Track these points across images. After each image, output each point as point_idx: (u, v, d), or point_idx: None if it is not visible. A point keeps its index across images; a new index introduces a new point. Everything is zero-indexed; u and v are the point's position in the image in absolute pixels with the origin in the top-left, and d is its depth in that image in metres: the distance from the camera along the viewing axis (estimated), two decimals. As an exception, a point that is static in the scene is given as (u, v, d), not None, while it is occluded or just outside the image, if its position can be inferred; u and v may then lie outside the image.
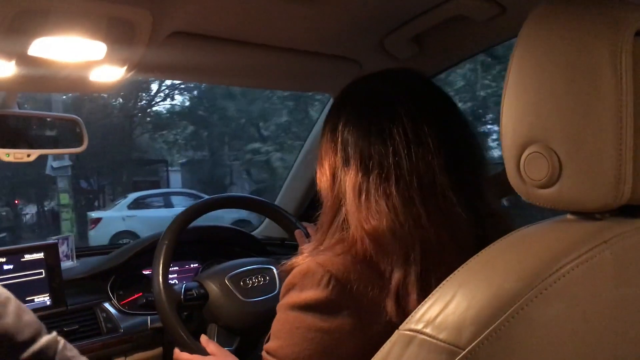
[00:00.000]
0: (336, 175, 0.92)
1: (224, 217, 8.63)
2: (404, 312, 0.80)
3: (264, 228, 2.25)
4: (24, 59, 0.95)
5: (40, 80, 1.05)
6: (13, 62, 0.95)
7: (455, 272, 0.63)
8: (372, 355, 0.71)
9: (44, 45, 0.92)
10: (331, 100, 1.44)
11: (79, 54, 0.97)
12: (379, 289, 0.83)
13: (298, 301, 0.84)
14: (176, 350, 1.30)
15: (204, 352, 1.25)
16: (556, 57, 0.62)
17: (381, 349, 0.62)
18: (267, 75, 1.42)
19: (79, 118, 1.43)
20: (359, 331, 0.82)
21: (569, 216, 0.67)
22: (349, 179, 0.88)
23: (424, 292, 0.74)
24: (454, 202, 0.86)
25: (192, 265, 1.94)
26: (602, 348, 0.58)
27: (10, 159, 1.28)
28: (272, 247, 2.08)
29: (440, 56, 1.43)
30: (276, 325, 0.88)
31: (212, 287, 1.46)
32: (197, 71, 1.28)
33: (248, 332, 1.44)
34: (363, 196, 0.86)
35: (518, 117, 0.65)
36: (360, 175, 0.87)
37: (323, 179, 0.95)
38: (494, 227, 0.87)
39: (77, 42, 0.93)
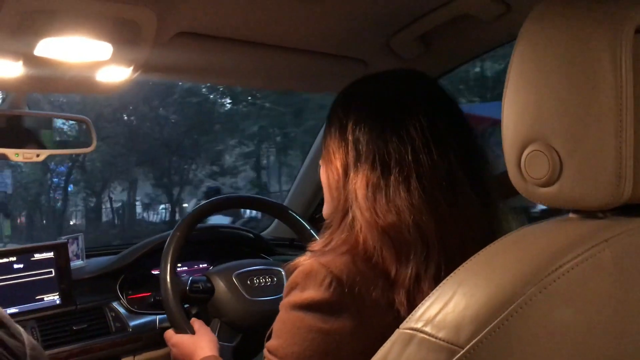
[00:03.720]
0: (348, 174, 0.91)
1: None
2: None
3: (273, 229, 2.25)
4: (30, 60, 0.96)
5: (47, 80, 1.07)
6: (20, 63, 0.96)
7: (456, 270, 0.62)
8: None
9: (50, 45, 0.93)
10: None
11: (85, 54, 0.98)
12: (382, 290, 0.83)
13: (299, 301, 0.85)
14: (167, 330, 1.36)
15: (191, 331, 1.31)
16: (556, 55, 0.62)
17: (382, 347, 0.62)
18: (272, 76, 1.42)
19: (88, 119, 1.44)
20: (361, 333, 0.82)
21: (571, 215, 0.67)
22: (362, 177, 0.88)
23: None
24: (473, 199, 0.87)
25: (201, 266, 1.95)
26: (602, 348, 0.58)
27: (20, 158, 1.30)
28: (280, 248, 2.09)
29: (447, 56, 1.42)
30: (278, 323, 0.89)
31: (219, 283, 1.47)
32: (203, 71, 1.29)
33: (250, 331, 1.45)
34: (380, 194, 0.86)
35: (518, 115, 0.65)
36: (377, 173, 0.87)
37: (332, 178, 0.95)
38: (506, 227, 0.88)
39: (83, 43, 0.94)
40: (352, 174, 0.90)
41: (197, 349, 1.25)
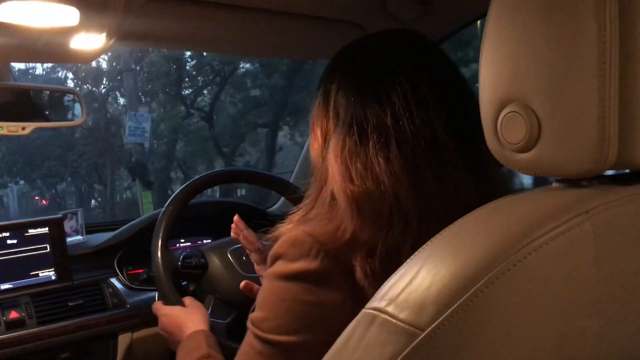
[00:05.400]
0: (327, 142, 0.87)
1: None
2: None
3: (281, 205, 2.21)
4: (-6, 25, 0.91)
5: (20, 48, 1.02)
6: (-17, 30, 0.91)
7: (425, 245, 0.57)
8: None
9: (13, 9, 0.89)
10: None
11: (51, 19, 0.93)
12: (364, 261, 0.78)
13: (285, 271, 0.80)
14: (156, 302, 1.34)
15: (181, 305, 1.29)
16: (536, 6, 0.54)
17: (347, 327, 0.57)
18: (262, 42, 1.35)
19: (77, 91, 1.41)
20: (348, 305, 0.77)
21: (554, 183, 0.60)
22: (338, 142, 0.83)
23: None
24: (459, 165, 0.80)
25: (204, 241, 1.92)
26: (581, 332, 0.52)
27: (4, 132, 1.26)
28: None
29: (447, 17, 1.33)
30: (261, 295, 0.85)
31: (213, 258, 1.44)
32: (183, 38, 1.23)
33: (245, 307, 1.40)
34: (356, 159, 0.80)
35: (495, 73, 0.58)
36: (354, 138, 0.81)
37: (315, 145, 0.91)
38: (499, 195, 0.81)
39: (47, 7, 0.89)
40: (331, 141, 0.85)
41: (188, 322, 1.22)
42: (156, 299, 1.60)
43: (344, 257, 0.79)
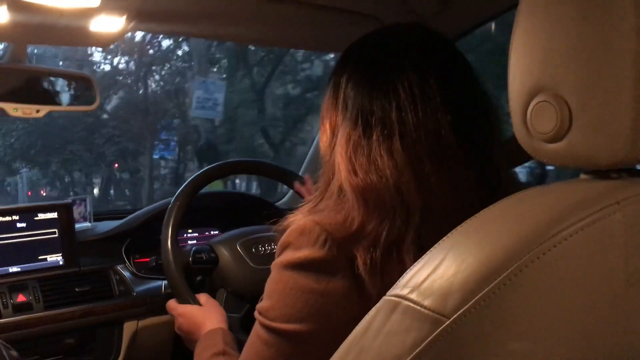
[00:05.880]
0: (336, 134, 0.88)
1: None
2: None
3: (289, 199, 2.20)
4: (16, 3, 0.91)
5: (39, 30, 1.02)
6: (5, 7, 0.91)
7: (449, 234, 0.56)
8: None
9: (35, -11, 0.88)
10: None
11: None
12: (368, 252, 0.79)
13: (292, 260, 0.81)
14: (170, 301, 1.31)
15: (197, 304, 1.27)
16: None
17: (367, 315, 0.57)
18: (279, 32, 1.35)
19: (91, 76, 1.41)
20: (355, 295, 0.79)
21: (582, 176, 0.59)
22: (344, 135, 0.84)
23: (421, 256, 0.70)
24: (462, 161, 0.81)
25: (212, 232, 1.92)
26: (608, 322, 0.51)
27: (19, 113, 1.26)
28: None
29: (467, 12, 1.32)
30: (269, 284, 0.85)
31: (223, 252, 1.43)
32: (202, 23, 1.22)
33: (257, 300, 1.40)
34: (360, 152, 0.81)
35: (526, 63, 0.58)
36: (359, 131, 0.82)
37: (324, 138, 0.92)
38: (505, 193, 0.81)
39: (69, -13, 0.89)
40: (338, 134, 0.87)
41: (206, 321, 1.21)
42: (162, 288, 1.60)
43: (350, 246, 0.79)
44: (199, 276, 1.44)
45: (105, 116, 10.07)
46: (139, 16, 1.00)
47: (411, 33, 0.89)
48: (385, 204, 0.79)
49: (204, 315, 1.23)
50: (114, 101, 10.03)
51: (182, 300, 1.29)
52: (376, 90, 0.83)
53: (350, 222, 0.79)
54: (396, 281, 0.73)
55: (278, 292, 0.83)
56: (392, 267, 0.77)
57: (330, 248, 0.79)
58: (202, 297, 1.29)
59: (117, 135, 9.81)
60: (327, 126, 0.90)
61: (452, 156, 0.81)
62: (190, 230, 1.89)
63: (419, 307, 0.51)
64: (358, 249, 0.78)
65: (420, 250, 0.76)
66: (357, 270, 0.78)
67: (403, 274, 0.69)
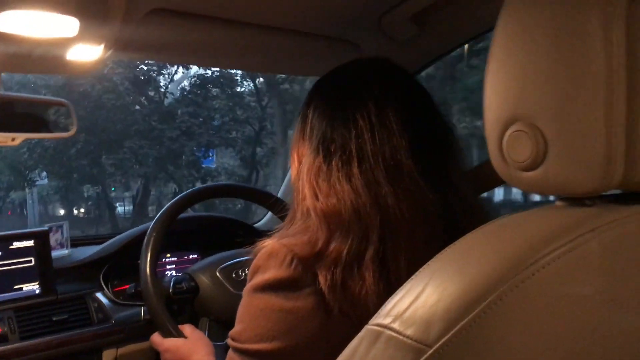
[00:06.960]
0: (303, 162, 0.93)
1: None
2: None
3: (267, 221, 2.20)
4: (-8, 35, 0.90)
5: (14, 59, 1.01)
6: (-19, 38, 0.90)
7: (430, 262, 0.57)
8: (334, 334, 0.81)
9: (11, 19, 0.88)
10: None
11: (50, 30, 0.92)
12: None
13: (262, 282, 0.85)
14: (154, 335, 1.30)
15: (182, 336, 1.26)
16: (543, 25, 0.55)
17: (350, 344, 0.57)
18: (259, 58, 1.36)
19: (68, 102, 1.39)
20: (322, 310, 0.82)
21: (557, 203, 0.60)
22: (307, 162, 0.90)
23: (382, 273, 0.81)
24: (421, 185, 0.86)
25: (191, 257, 1.91)
26: (588, 354, 0.52)
27: (-7, 142, 1.25)
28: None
29: (442, 37, 1.35)
30: (241, 309, 0.89)
31: (203, 280, 1.42)
32: (181, 51, 1.22)
33: None
34: (322, 178, 0.87)
35: (501, 92, 0.59)
36: (320, 158, 0.89)
37: (293, 167, 0.98)
38: (469, 218, 0.87)
39: (48, 17, 0.89)
40: (303, 162, 0.93)
41: (193, 354, 1.20)
42: (142, 314, 1.58)
43: (314, 264, 0.83)
44: (180, 306, 1.43)
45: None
46: (117, 45, 1.00)
47: (373, 68, 0.95)
48: (345, 224, 0.83)
49: (190, 348, 1.22)
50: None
51: (165, 334, 1.28)
52: (337, 120, 0.89)
53: (315, 242, 0.84)
54: (358, 296, 0.81)
55: (250, 315, 0.86)
56: (353, 283, 0.81)
57: (296, 267, 0.83)
58: (187, 329, 1.28)
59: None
60: (295, 155, 0.97)
61: (411, 179, 0.86)
62: (168, 255, 1.87)
63: (401, 337, 0.51)
64: (321, 267, 0.82)
65: (381, 266, 0.82)
66: (319, 286, 0.82)
67: (364, 289, 0.80)
